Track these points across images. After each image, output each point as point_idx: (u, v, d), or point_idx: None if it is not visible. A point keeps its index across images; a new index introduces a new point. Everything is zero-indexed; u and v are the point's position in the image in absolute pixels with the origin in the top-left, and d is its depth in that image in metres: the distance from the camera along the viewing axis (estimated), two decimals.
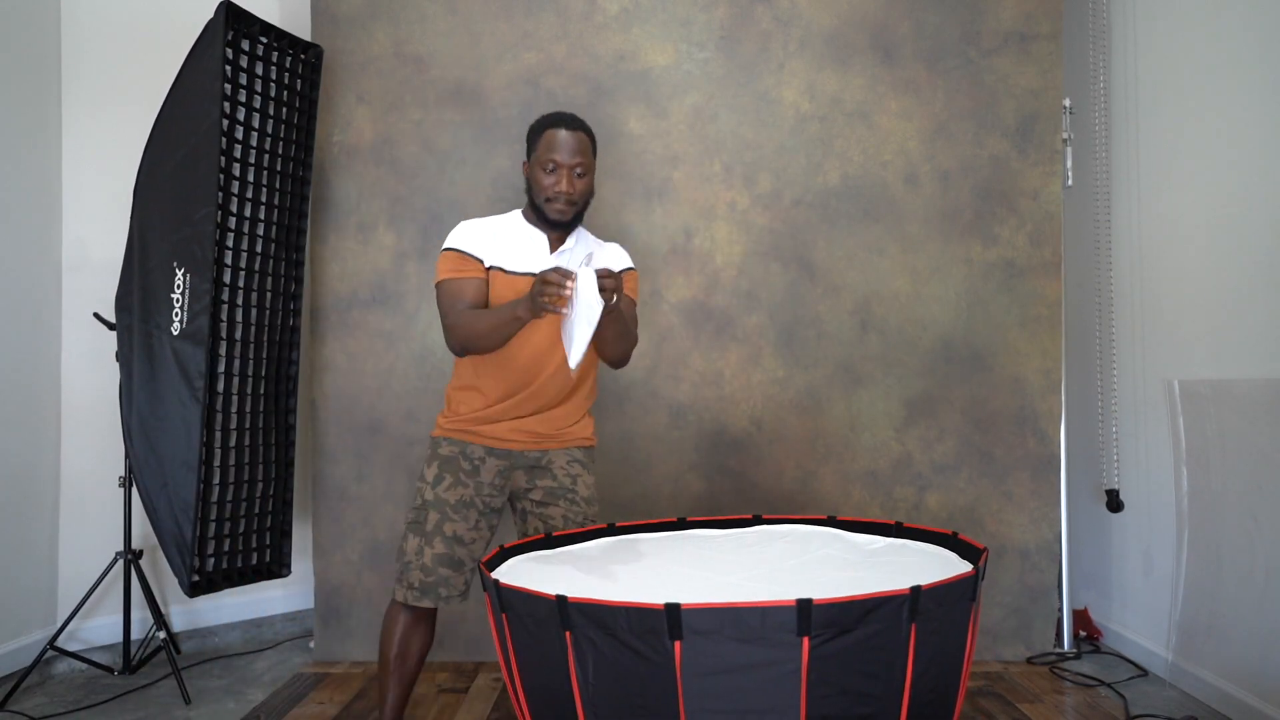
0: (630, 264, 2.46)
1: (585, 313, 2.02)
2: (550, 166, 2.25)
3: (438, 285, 2.31)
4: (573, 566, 2.01)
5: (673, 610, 1.51)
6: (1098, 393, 3.32)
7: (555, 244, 2.34)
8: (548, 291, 1.99)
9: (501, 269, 2.29)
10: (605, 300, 2.01)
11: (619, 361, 2.38)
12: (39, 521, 3.17)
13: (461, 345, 2.27)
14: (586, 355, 2.20)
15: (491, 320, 2.19)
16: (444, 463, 2.33)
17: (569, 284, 1.99)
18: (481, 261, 2.29)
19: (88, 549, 3.20)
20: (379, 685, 2.36)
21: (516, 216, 2.38)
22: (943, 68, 3.19)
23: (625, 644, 1.56)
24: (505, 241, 2.32)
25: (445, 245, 2.31)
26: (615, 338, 2.27)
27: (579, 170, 2.26)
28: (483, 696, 2.89)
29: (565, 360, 2.22)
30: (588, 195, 2.32)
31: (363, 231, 3.23)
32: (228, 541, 2.96)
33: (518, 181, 3.20)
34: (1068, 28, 3.30)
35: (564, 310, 2.02)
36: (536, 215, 2.32)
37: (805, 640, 1.50)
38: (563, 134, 2.25)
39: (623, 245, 3.18)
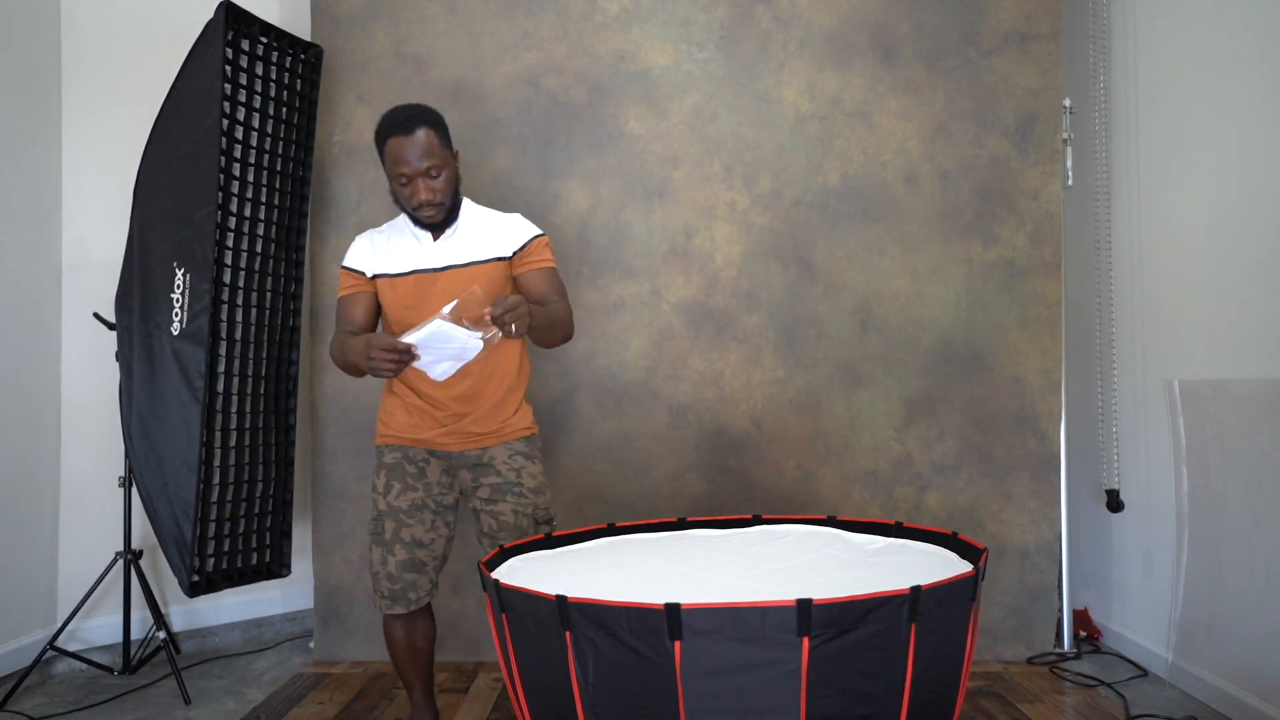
0: (534, 231, 2.37)
1: (452, 352, 2.09)
2: (403, 179, 2.20)
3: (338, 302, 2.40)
4: (573, 566, 2.01)
5: (673, 610, 1.51)
6: (1098, 393, 3.32)
7: (438, 234, 2.32)
8: (378, 367, 2.06)
9: (386, 274, 2.33)
10: (505, 331, 2.04)
11: (557, 345, 2.38)
12: (39, 521, 3.17)
13: (336, 364, 2.33)
14: (506, 342, 2.25)
15: (346, 359, 2.26)
16: (390, 470, 2.35)
17: (393, 358, 2.04)
18: (364, 274, 2.35)
19: (88, 549, 3.20)
20: (403, 682, 2.44)
21: (403, 220, 2.38)
22: (943, 68, 3.19)
23: (625, 644, 1.56)
24: (390, 247, 2.35)
25: (341, 263, 2.40)
26: (543, 337, 2.27)
27: (432, 171, 2.20)
28: (483, 696, 2.89)
29: (482, 368, 2.28)
30: (453, 186, 2.27)
31: (363, 231, 3.23)
32: (228, 541, 2.96)
33: (518, 181, 3.21)
34: (1068, 28, 3.30)
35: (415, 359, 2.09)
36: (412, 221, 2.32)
37: (805, 640, 1.50)
38: (403, 142, 2.17)
39: (623, 245, 3.20)
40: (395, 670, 2.47)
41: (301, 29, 3.40)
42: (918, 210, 3.19)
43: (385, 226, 2.41)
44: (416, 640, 2.38)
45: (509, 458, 2.36)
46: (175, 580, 3.12)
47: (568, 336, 2.36)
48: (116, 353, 2.94)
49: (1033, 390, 3.16)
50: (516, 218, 2.40)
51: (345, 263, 2.37)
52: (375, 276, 2.34)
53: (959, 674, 1.75)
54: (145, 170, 2.92)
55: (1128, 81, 3.19)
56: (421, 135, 2.18)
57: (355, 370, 2.25)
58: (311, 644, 3.31)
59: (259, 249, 3.01)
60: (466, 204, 2.36)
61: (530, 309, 2.09)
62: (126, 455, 2.93)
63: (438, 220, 2.27)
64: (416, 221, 2.29)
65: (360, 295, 2.35)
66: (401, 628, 2.36)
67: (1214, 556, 2.74)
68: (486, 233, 2.34)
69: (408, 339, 2.06)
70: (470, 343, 2.06)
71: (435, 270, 2.29)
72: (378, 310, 2.38)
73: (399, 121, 2.20)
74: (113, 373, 3.05)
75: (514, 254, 2.34)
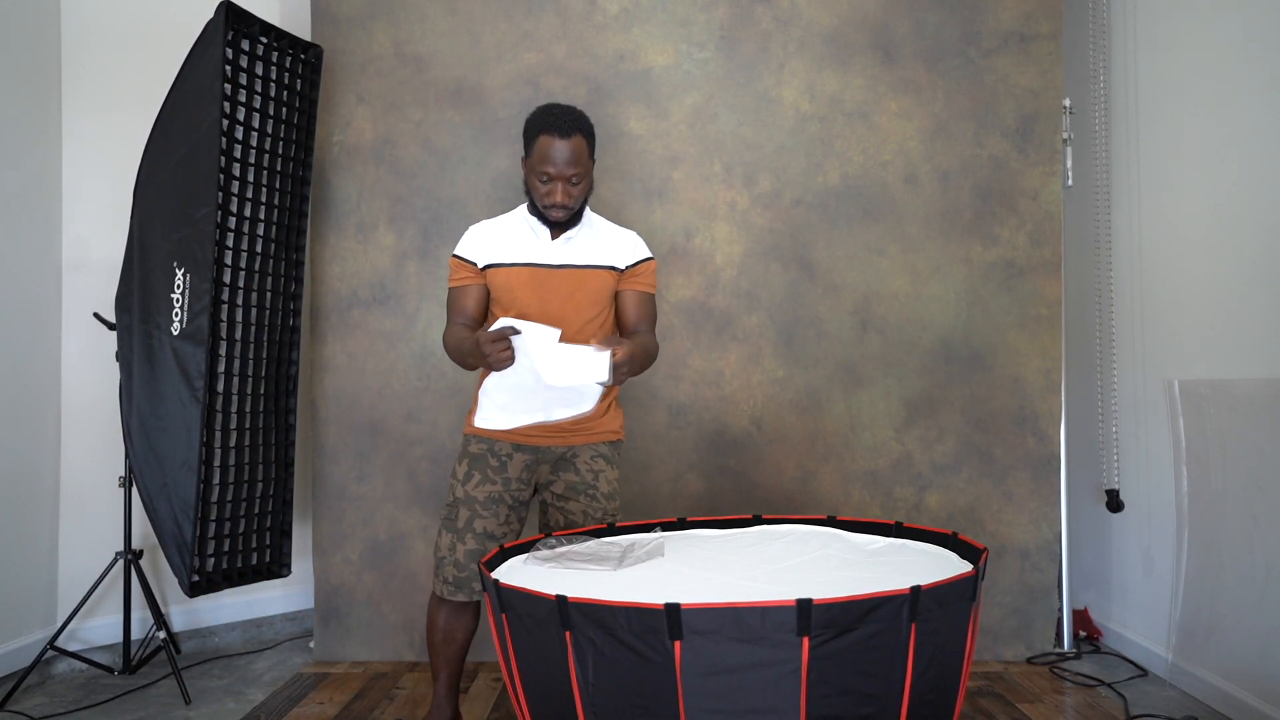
0: (647, 253, 2.45)
1: (569, 374, 2.11)
2: (545, 178, 2.27)
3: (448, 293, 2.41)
4: (573, 566, 2.00)
5: (673, 610, 1.50)
6: (1098, 393, 3.32)
7: (557, 233, 2.36)
8: (492, 355, 2.08)
9: (499, 263, 2.34)
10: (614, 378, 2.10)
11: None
12: (39, 521, 3.17)
13: (450, 358, 2.36)
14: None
15: (459, 350, 2.28)
16: (473, 460, 2.37)
17: (504, 345, 2.07)
18: (477, 264, 2.36)
19: (88, 549, 3.20)
20: (430, 668, 2.45)
21: (521, 211, 2.43)
22: (943, 68, 3.19)
23: (625, 644, 1.56)
24: (506, 237, 2.37)
25: (453, 251, 2.40)
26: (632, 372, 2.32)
27: (574, 179, 2.27)
28: (483, 696, 2.89)
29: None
30: (586, 195, 2.34)
31: (363, 231, 3.23)
32: (228, 541, 2.96)
33: (518, 182, 3.20)
34: (1068, 28, 3.30)
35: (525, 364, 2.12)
36: (536, 213, 2.37)
37: (805, 640, 1.50)
38: (557, 144, 2.24)
39: None
40: (428, 654, 2.47)
41: (301, 29, 3.40)
42: (918, 210, 3.19)
43: (497, 220, 2.44)
44: (455, 630, 2.39)
45: (591, 459, 2.40)
46: (175, 580, 3.12)
47: (645, 368, 2.39)
48: (116, 353, 2.94)
49: (1033, 390, 3.16)
50: (633, 235, 2.47)
51: (458, 252, 2.38)
52: (488, 266, 2.35)
53: (959, 674, 1.75)
54: (145, 170, 2.92)
55: (1128, 81, 3.19)
56: (576, 142, 2.25)
57: (468, 364, 2.29)
58: (311, 644, 3.31)
59: (259, 249, 3.01)
60: (586, 210, 2.41)
61: (632, 356, 2.15)
62: (126, 455, 2.93)
63: (562, 220, 2.32)
64: (540, 217, 2.33)
65: (472, 287, 2.36)
66: (446, 614, 2.37)
67: (1214, 556, 2.74)
68: (604, 241, 2.40)
69: (521, 326, 2.10)
70: (593, 365, 2.09)
71: (552, 266, 2.34)
72: (489, 301, 2.41)
73: (558, 122, 2.24)
74: (113, 373, 3.05)
75: (626, 268, 2.40)
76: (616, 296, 2.42)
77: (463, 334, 2.31)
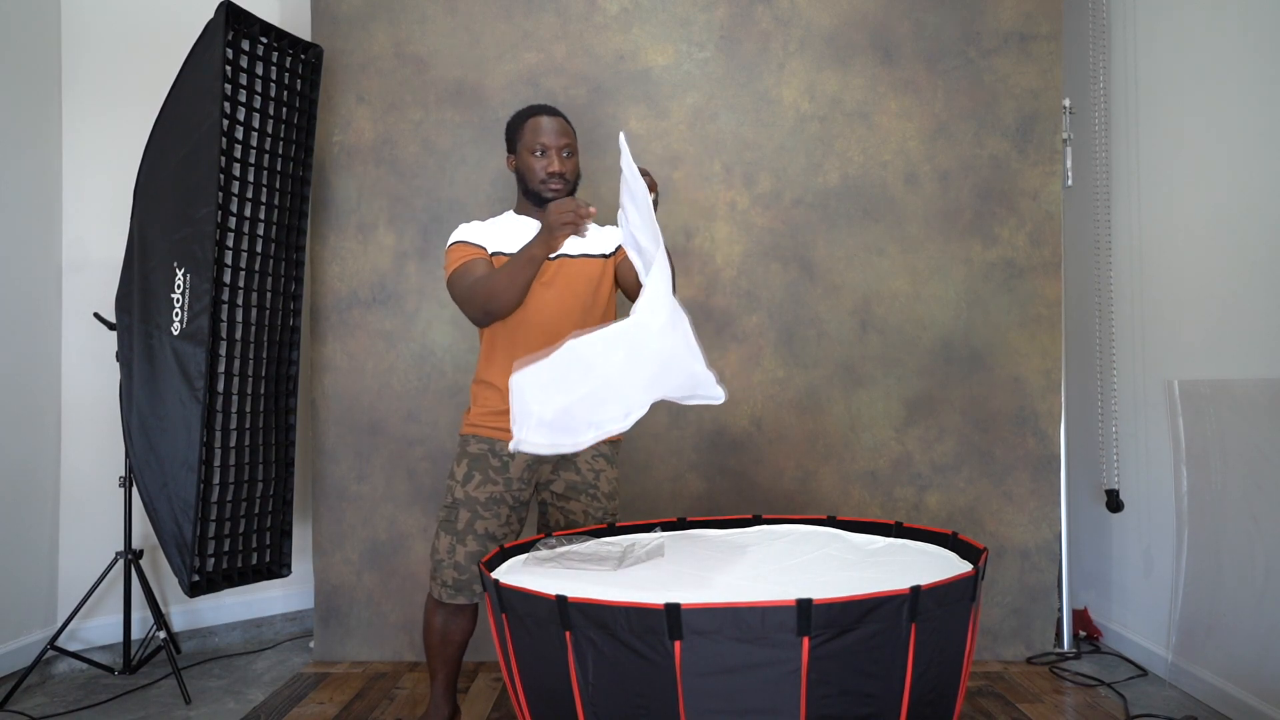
0: None
1: (642, 209, 2.01)
2: (539, 150, 2.35)
3: (450, 275, 2.34)
4: (572, 566, 2.01)
5: (673, 610, 1.51)
6: (1098, 393, 3.32)
7: None
8: (564, 218, 2.06)
9: (502, 252, 2.36)
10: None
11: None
12: (39, 521, 3.17)
13: (484, 308, 2.27)
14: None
15: (508, 269, 2.21)
16: (473, 460, 2.37)
17: (583, 209, 2.06)
18: (485, 248, 2.37)
19: (88, 549, 3.20)
20: (428, 668, 2.46)
21: (509, 214, 2.46)
22: (943, 68, 3.19)
23: (625, 644, 1.56)
24: (501, 232, 2.40)
25: (450, 242, 2.39)
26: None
27: (566, 150, 2.37)
28: (483, 696, 2.89)
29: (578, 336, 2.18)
30: (577, 175, 2.42)
31: (363, 231, 3.23)
32: (228, 541, 2.96)
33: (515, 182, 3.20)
34: (1068, 28, 3.30)
35: (584, 231, 2.11)
36: (531, 203, 2.40)
37: (805, 640, 1.50)
38: (546, 119, 2.37)
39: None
40: (426, 655, 2.47)
41: (301, 29, 3.40)
42: (918, 210, 3.19)
43: (487, 220, 2.45)
44: (453, 632, 2.39)
45: (592, 458, 2.41)
46: (175, 580, 3.13)
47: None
48: (116, 353, 2.94)
49: (1033, 390, 3.16)
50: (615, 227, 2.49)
51: (461, 238, 2.36)
52: (495, 253, 2.35)
53: (959, 674, 1.75)
54: (145, 170, 2.92)
55: (1128, 81, 3.19)
56: (563, 121, 2.40)
57: (519, 275, 2.20)
58: (311, 644, 3.32)
59: (259, 249, 3.01)
60: None
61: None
62: (126, 455, 2.93)
63: (561, 196, 2.34)
64: (535, 199, 2.37)
65: (484, 259, 2.32)
66: (443, 616, 2.37)
67: (1214, 556, 2.74)
68: (591, 233, 2.40)
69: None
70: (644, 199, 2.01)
71: (549, 258, 2.32)
72: None
73: (543, 107, 2.42)
74: (113, 373, 3.05)
75: (615, 250, 2.46)
76: (616, 277, 2.47)
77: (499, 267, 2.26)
